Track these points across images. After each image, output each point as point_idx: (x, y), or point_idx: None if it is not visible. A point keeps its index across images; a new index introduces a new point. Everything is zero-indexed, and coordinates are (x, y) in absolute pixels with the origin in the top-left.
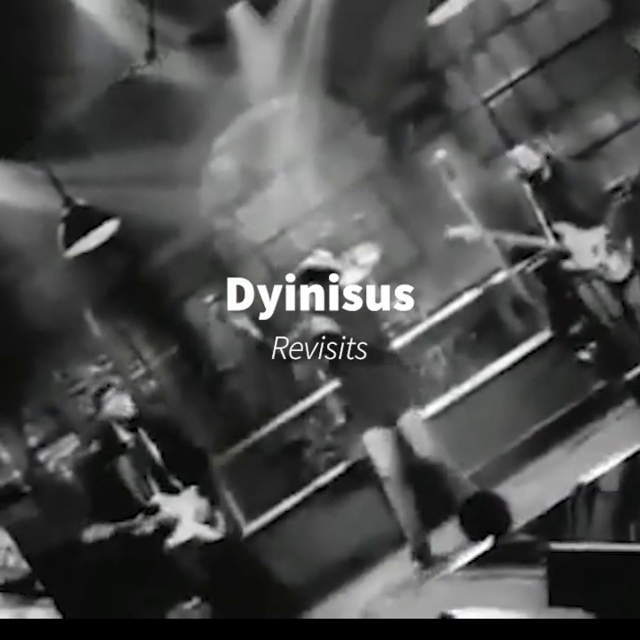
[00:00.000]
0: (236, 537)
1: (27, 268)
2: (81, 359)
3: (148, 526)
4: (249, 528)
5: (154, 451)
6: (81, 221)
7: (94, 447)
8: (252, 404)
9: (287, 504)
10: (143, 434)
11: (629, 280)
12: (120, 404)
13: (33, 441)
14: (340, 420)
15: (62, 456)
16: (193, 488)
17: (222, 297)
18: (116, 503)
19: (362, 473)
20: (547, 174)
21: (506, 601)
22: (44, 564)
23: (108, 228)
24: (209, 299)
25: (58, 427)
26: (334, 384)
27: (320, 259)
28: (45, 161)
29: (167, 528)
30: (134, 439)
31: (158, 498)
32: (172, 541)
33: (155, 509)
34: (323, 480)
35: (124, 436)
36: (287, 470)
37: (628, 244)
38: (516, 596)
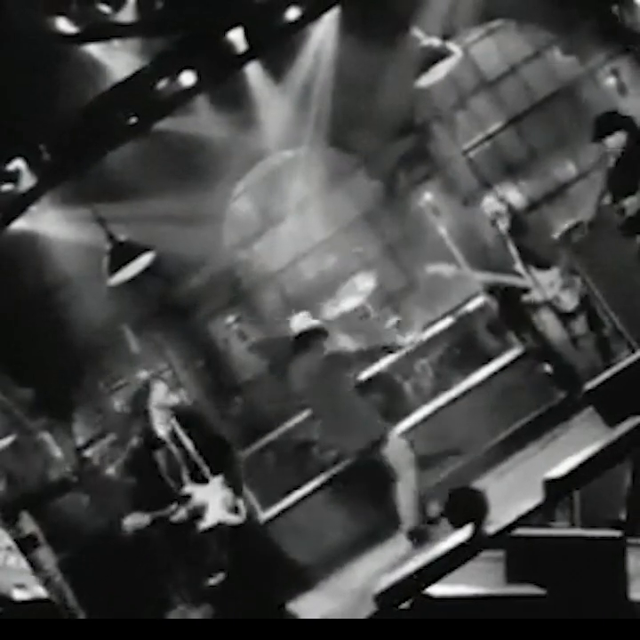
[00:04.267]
0: (252, 522)
1: (76, 293)
2: (121, 371)
3: (181, 513)
4: (265, 515)
5: (188, 443)
6: (122, 254)
7: (135, 442)
8: (267, 410)
9: (297, 494)
10: (178, 428)
11: (578, 311)
12: (166, 393)
13: (81, 440)
14: None
15: (105, 453)
16: (218, 478)
17: (242, 318)
18: (154, 492)
19: (361, 468)
20: (505, 223)
21: (470, 579)
22: (87, 549)
23: (146, 260)
24: (230, 319)
25: (101, 428)
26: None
27: (302, 321)
28: (91, 202)
29: (198, 514)
30: (170, 433)
31: (190, 488)
32: (202, 526)
33: (187, 498)
34: (327, 474)
35: (161, 430)
36: (297, 466)
37: (577, 281)
38: (478, 575)
